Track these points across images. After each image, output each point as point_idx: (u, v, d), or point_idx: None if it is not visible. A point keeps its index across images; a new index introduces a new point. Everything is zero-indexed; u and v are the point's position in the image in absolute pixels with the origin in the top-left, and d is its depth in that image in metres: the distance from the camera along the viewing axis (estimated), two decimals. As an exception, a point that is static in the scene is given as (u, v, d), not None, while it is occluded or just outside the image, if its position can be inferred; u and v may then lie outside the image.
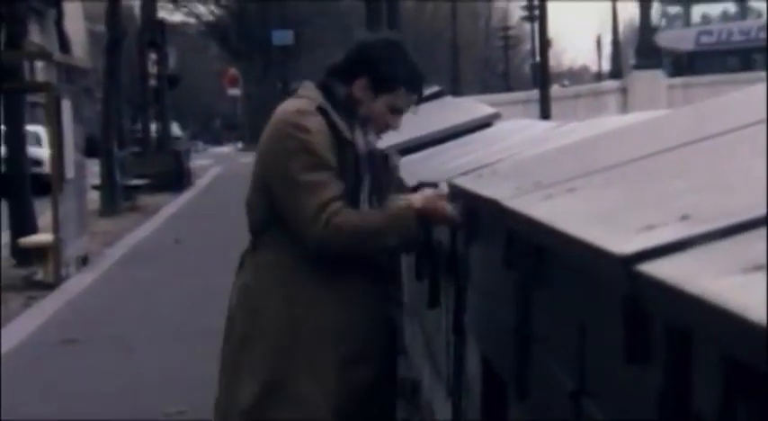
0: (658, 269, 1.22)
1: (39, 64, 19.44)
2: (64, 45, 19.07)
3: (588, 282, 1.75)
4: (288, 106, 3.42)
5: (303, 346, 3.36)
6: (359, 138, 3.43)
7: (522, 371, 2.39)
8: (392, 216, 3.34)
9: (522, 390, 2.40)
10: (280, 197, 3.37)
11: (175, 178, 24.34)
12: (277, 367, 3.37)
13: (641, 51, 37.50)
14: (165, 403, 6.18)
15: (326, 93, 3.42)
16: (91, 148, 14.91)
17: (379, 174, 3.51)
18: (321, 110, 3.38)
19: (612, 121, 3.79)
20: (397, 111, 3.48)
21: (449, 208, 3.38)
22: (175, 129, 54.33)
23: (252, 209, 3.48)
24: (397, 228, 3.33)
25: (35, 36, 28.29)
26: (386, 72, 3.41)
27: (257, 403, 3.37)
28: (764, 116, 2.01)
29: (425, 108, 7.48)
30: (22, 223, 12.83)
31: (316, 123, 3.34)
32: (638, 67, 36.58)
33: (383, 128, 3.50)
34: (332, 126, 3.36)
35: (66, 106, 11.95)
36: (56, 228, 11.49)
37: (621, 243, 1.36)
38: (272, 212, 3.40)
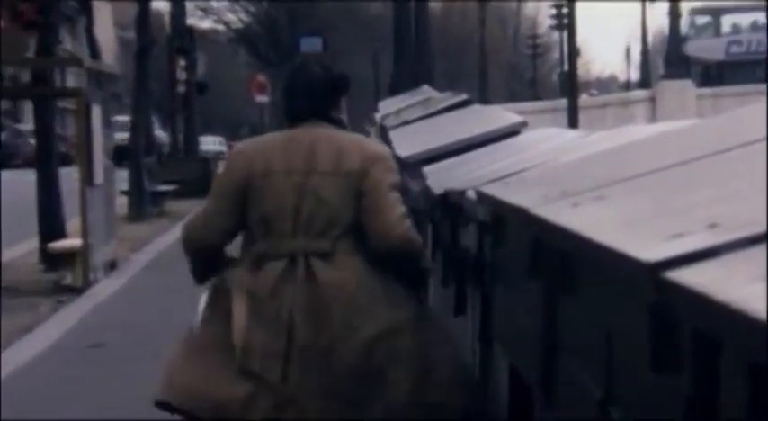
0: (685, 277, 1.23)
1: (69, 70, 19.53)
2: (94, 51, 19.15)
3: (615, 289, 1.75)
4: (373, 144, 4.12)
5: None
6: None
7: (548, 379, 2.39)
8: None
9: (548, 398, 2.40)
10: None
11: (203, 184, 24.39)
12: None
13: (670, 61, 37.31)
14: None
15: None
16: (121, 155, 14.93)
17: None
18: None
19: (640, 131, 3.78)
20: None
21: None
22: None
23: (339, 213, 3.68)
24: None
25: (66, 42, 28.45)
26: (346, 80, 3.96)
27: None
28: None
29: (453, 116, 7.48)
30: (51, 228, 12.89)
31: None
32: (666, 76, 36.39)
33: None
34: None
35: (96, 112, 12.02)
36: (84, 233, 11.54)
37: (649, 251, 1.37)
38: (355, 218, 3.65)
